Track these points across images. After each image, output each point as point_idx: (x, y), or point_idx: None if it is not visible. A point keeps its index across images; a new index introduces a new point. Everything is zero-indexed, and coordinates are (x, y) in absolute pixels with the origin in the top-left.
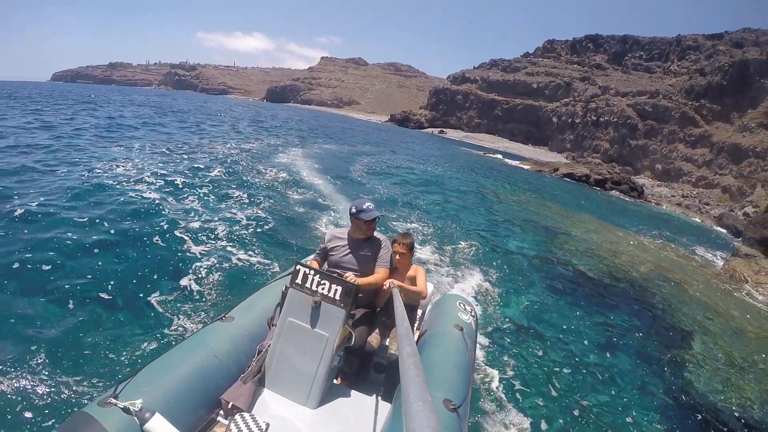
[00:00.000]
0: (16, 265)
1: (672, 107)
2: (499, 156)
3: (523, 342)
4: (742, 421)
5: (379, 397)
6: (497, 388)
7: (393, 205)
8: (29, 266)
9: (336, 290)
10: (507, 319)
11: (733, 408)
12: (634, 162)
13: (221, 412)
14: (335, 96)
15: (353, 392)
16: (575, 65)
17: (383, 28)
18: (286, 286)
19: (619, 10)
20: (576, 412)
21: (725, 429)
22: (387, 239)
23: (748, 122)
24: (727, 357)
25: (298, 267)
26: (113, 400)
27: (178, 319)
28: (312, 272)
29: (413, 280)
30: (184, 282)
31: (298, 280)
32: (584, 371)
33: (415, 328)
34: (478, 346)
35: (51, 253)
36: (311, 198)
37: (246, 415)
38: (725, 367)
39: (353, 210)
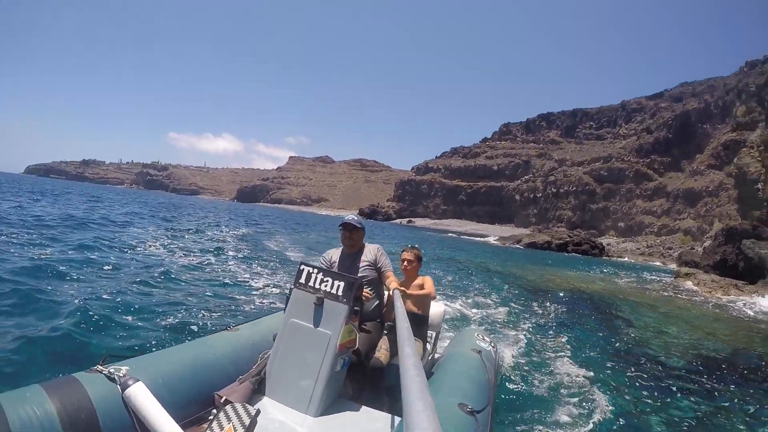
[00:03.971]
0: None
1: (626, 167)
2: (467, 236)
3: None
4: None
5: (395, 416)
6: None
7: None
8: None
9: (339, 286)
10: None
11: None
12: (598, 224)
13: (214, 410)
14: (304, 194)
15: (363, 407)
16: (531, 143)
17: (348, 126)
18: (290, 288)
19: (568, 87)
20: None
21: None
22: (377, 246)
23: (697, 167)
24: (662, 317)
25: (302, 267)
26: (99, 367)
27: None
28: (315, 270)
29: (420, 288)
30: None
31: (302, 280)
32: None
33: (427, 346)
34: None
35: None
36: None
37: (237, 404)
38: (659, 322)
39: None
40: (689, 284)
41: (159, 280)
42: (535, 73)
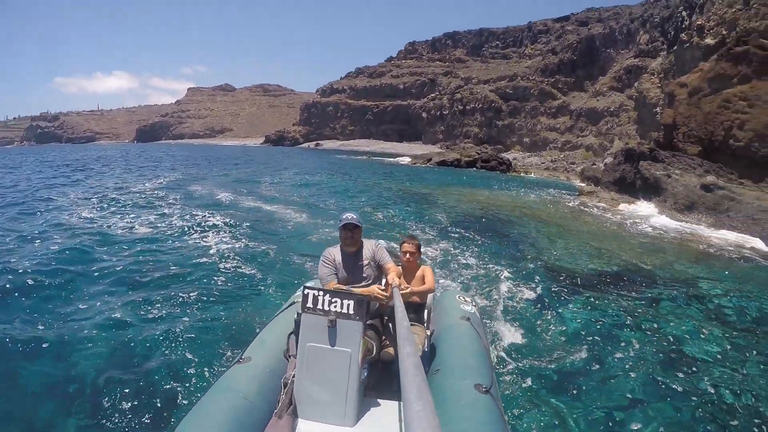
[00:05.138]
0: None
1: (531, 86)
2: (379, 158)
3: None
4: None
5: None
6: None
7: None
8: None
9: (348, 305)
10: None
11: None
12: (504, 140)
13: None
14: (207, 126)
15: (381, 401)
16: (437, 62)
17: (247, 51)
18: (298, 313)
19: (475, 6)
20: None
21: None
22: (374, 241)
23: (599, 88)
24: (576, 237)
25: (306, 291)
26: None
27: (194, 365)
28: (321, 293)
29: (423, 280)
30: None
31: (309, 304)
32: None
33: (426, 326)
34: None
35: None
36: (260, 221)
37: None
38: (570, 239)
39: (339, 222)
40: (592, 202)
41: (131, 263)
42: None
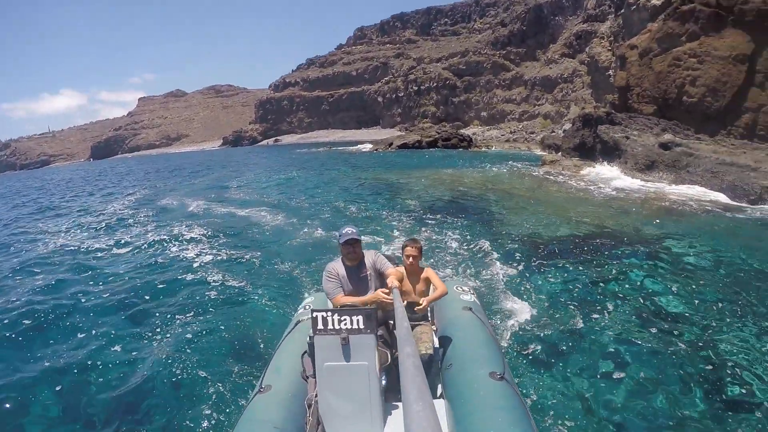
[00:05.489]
0: None
1: (483, 60)
2: (339, 147)
3: None
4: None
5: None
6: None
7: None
8: None
9: (358, 320)
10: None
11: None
12: (462, 116)
13: None
14: (162, 135)
15: (401, 404)
16: (388, 45)
17: (195, 53)
18: (310, 336)
19: None
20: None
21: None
22: (373, 251)
23: (551, 56)
24: (546, 207)
25: (315, 314)
26: None
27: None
28: (329, 314)
29: (427, 282)
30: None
31: (320, 326)
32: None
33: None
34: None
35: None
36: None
37: None
38: (541, 210)
39: (338, 236)
40: (556, 170)
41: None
42: None
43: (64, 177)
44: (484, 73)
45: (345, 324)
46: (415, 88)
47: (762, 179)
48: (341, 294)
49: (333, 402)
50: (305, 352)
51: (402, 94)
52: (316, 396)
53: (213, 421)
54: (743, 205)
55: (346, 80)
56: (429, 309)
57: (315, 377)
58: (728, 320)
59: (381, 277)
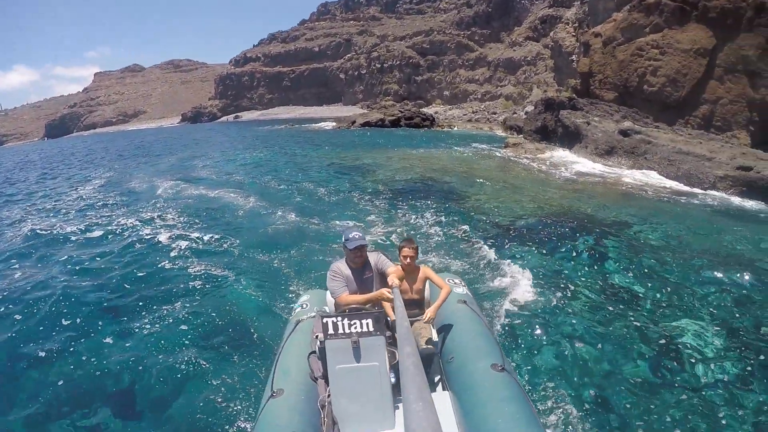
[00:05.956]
0: None
1: (447, 39)
2: (301, 125)
3: None
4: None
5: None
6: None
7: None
8: None
9: (367, 323)
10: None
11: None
12: (424, 95)
13: None
14: (119, 111)
15: None
16: (351, 21)
17: (153, 26)
18: (321, 341)
19: None
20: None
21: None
22: (376, 252)
23: (515, 38)
24: (509, 188)
25: (325, 320)
26: None
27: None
28: (339, 318)
29: (424, 280)
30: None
31: (331, 331)
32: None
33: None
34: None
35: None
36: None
37: None
38: (507, 193)
39: (343, 240)
40: (519, 153)
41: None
42: None
43: (20, 159)
44: (447, 52)
45: (355, 327)
46: (378, 66)
47: (716, 169)
48: (346, 292)
49: (346, 402)
50: (311, 353)
51: (365, 71)
52: (328, 397)
53: (210, 423)
54: (697, 191)
55: (308, 56)
56: (426, 303)
57: (324, 379)
58: (676, 295)
59: (383, 277)
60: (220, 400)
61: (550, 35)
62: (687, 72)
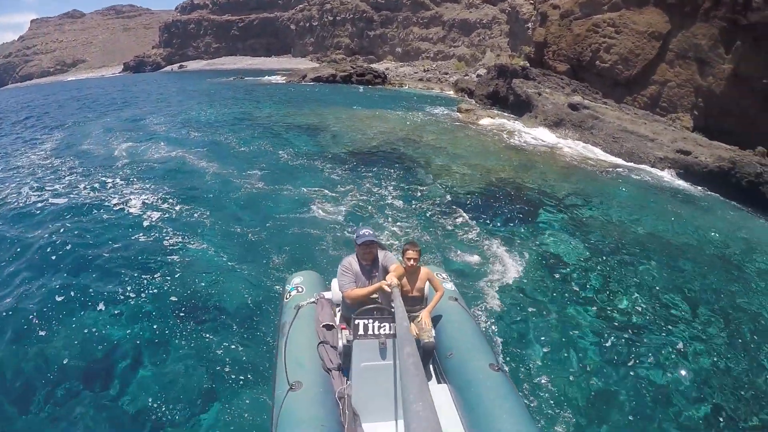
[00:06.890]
0: None
1: None
2: (249, 78)
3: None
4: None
5: (433, 382)
6: None
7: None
8: None
9: (394, 326)
10: None
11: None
12: (376, 50)
13: None
14: (57, 60)
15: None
16: None
17: None
18: (348, 340)
19: None
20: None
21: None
22: (384, 251)
23: (472, 1)
24: (462, 154)
25: (357, 321)
26: None
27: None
28: (370, 321)
29: (424, 280)
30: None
31: (361, 332)
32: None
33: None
34: None
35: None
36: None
37: None
38: (461, 159)
39: (354, 237)
40: (471, 119)
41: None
42: None
43: None
44: (402, 9)
45: (383, 330)
46: (331, 18)
47: (657, 150)
48: (354, 286)
49: (367, 397)
50: (320, 342)
51: (316, 23)
52: (345, 389)
53: (205, 416)
54: (639, 166)
55: (258, 5)
56: (425, 298)
57: (339, 370)
58: (614, 266)
59: (387, 273)
60: (221, 384)
61: (507, 0)
62: (640, 53)
